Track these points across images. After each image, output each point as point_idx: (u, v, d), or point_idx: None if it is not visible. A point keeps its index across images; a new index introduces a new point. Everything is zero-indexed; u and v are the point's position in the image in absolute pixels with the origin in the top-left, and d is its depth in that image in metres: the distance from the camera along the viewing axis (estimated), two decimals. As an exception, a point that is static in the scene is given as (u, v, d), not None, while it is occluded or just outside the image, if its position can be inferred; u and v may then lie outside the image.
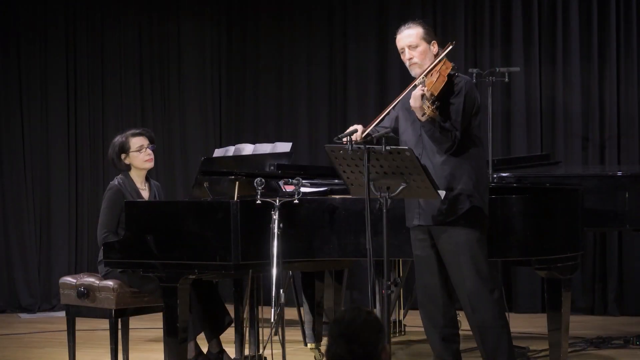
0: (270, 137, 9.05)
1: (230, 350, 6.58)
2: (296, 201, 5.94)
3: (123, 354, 6.68)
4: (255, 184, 5.88)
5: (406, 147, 5.35)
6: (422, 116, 5.40)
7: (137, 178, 6.64)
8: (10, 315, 9.36)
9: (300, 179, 6.02)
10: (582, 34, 8.95)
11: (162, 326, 6.08)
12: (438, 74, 5.45)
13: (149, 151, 6.63)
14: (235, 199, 6.09)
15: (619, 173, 6.87)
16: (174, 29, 9.80)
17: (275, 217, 5.82)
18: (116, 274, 6.41)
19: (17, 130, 9.55)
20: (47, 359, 7.48)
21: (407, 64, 5.63)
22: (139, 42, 9.75)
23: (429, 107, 5.33)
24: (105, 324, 6.56)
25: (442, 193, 5.46)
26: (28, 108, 9.55)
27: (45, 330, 8.61)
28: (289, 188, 6.51)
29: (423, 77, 5.47)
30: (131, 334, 6.86)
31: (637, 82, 8.86)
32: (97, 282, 6.47)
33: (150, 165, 6.67)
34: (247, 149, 6.75)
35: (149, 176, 6.77)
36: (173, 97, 9.81)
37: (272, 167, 6.62)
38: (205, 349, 6.57)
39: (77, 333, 6.63)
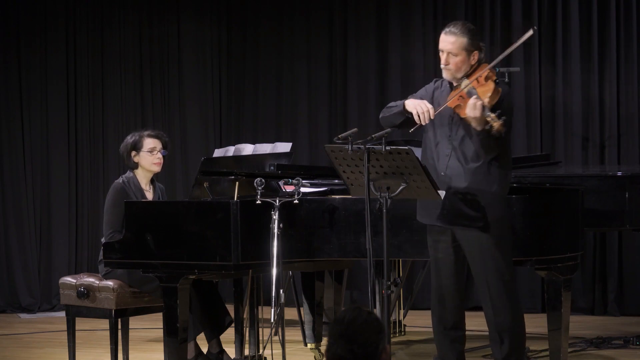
0: (270, 137, 9.05)
1: (230, 350, 6.59)
2: (296, 201, 5.94)
3: (123, 354, 6.69)
4: (255, 184, 5.88)
5: (406, 147, 5.34)
6: (484, 127, 5.28)
7: (143, 179, 6.64)
8: (10, 315, 9.36)
9: (300, 179, 6.02)
10: (582, 34, 8.95)
11: (162, 326, 6.08)
12: (489, 82, 5.35)
13: (160, 155, 6.64)
14: (235, 199, 6.09)
15: (619, 173, 6.87)
16: (174, 29, 9.80)
17: (275, 217, 5.82)
18: (116, 274, 6.41)
19: (17, 130, 9.55)
20: (47, 359, 7.48)
21: (441, 64, 5.54)
22: (139, 42, 9.75)
23: (495, 120, 5.21)
24: (105, 324, 6.57)
25: (442, 193, 5.45)
26: (28, 108, 9.55)
27: (45, 330, 8.61)
28: (289, 188, 6.51)
29: (470, 84, 5.37)
30: (131, 334, 6.86)
31: (637, 82, 8.86)
32: (97, 282, 6.47)
33: (158, 169, 6.66)
34: (247, 149, 6.74)
35: (154, 179, 6.77)
36: (173, 97, 9.81)
37: (272, 167, 6.62)
38: (205, 349, 6.57)
39: (77, 333, 6.63)
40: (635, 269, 8.88)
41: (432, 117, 5.41)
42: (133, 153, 6.62)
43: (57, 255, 9.56)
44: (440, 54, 5.52)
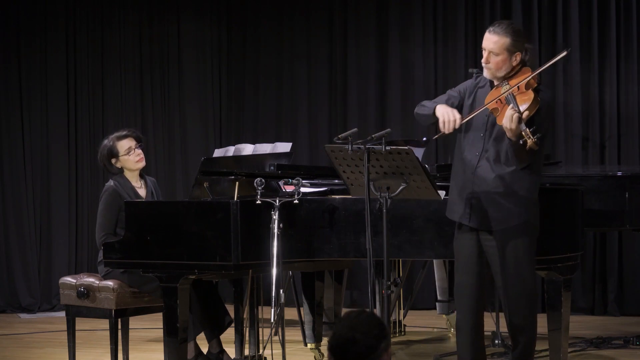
0: (270, 137, 9.05)
1: (230, 350, 6.59)
2: (296, 201, 5.94)
3: (123, 354, 6.69)
4: (255, 184, 5.88)
5: (406, 147, 5.34)
6: (518, 139, 5.22)
7: (132, 177, 6.65)
8: (10, 315, 9.36)
9: (300, 179, 6.02)
10: (582, 34, 8.95)
11: (162, 326, 6.08)
12: (529, 92, 5.28)
13: (139, 151, 6.64)
14: (235, 199, 6.10)
15: (619, 173, 6.87)
16: (174, 29, 9.80)
17: (275, 217, 5.82)
18: (116, 274, 6.41)
19: (17, 130, 9.55)
20: (47, 359, 7.49)
21: (482, 61, 5.48)
22: (139, 42, 9.75)
23: (530, 138, 5.14)
24: (105, 324, 6.57)
25: (442, 193, 5.44)
26: (28, 108, 9.55)
27: (45, 330, 8.61)
28: (289, 188, 6.51)
29: (510, 90, 5.29)
30: (131, 334, 6.87)
31: (637, 82, 8.86)
32: (97, 282, 6.47)
33: (142, 164, 6.67)
34: (247, 149, 6.75)
35: (145, 173, 6.77)
36: (173, 97, 9.81)
37: (272, 167, 6.62)
38: (205, 349, 6.57)
39: (77, 333, 6.63)
40: (635, 269, 8.88)
41: (456, 127, 5.36)
42: (114, 160, 6.62)
43: (57, 256, 9.56)
44: (483, 51, 5.47)
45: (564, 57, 5.47)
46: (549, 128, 5.54)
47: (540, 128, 5.27)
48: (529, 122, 5.25)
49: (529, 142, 5.16)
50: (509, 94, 5.29)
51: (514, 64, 5.42)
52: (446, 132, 5.37)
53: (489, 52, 5.43)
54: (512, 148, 5.30)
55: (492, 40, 5.42)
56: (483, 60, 5.45)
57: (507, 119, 5.21)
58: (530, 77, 5.33)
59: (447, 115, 5.35)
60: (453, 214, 5.58)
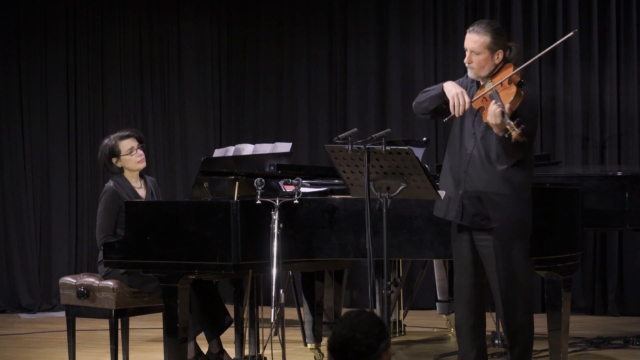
0: (270, 137, 9.05)
1: (230, 350, 6.59)
2: (296, 201, 5.94)
3: (123, 354, 6.69)
4: (255, 184, 5.88)
5: (406, 147, 5.34)
6: (504, 133, 5.25)
7: (132, 178, 6.65)
8: (10, 315, 9.36)
9: (300, 179, 6.02)
10: (582, 34, 8.95)
11: (162, 326, 6.09)
12: (511, 86, 5.32)
13: (140, 152, 6.64)
14: (235, 199, 6.10)
15: (619, 173, 6.87)
16: (174, 29, 9.80)
17: (275, 217, 5.82)
18: (116, 274, 6.42)
19: (17, 130, 9.55)
20: (47, 359, 7.48)
21: (465, 61, 5.52)
22: (139, 42, 9.75)
23: (514, 130, 5.16)
24: (105, 324, 6.57)
25: (442, 193, 5.44)
26: (28, 108, 9.56)
27: (45, 330, 8.61)
28: (289, 188, 6.51)
29: (494, 88, 5.33)
30: (131, 334, 6.87)
31: (637, 82, 8.86)
32: (97, 282, 6.47)
33: (143, 165, 6.67)
34: (247, 149, 6.75)
35: (145, 173, 6.77)
36: (173, 97, 9.81)
37: (272, 167, 6.62)
38: (205, 349, 6.57)
39: (77, 333, 6.63)
40: (635, 269, 8.88)
41: (466, 109, 5.38)
42: (114, 160, 6.62)
43: (57, 255, 9.56)
44: (465, 52, 5.50)
45: (570, 37, 5.49)
46: (535, 121, 5.54)
47: (525, 120, 5.28)
48: (514, 116, 5.26)
49: (514, 134, 5.20)
50: (493, 91, 5.33)
51: (497, 62, 5.46)
52: (456, 114, 5.39)
53: (471, 52, 5.48)
54: (500, 144, 5.33)
55: (473, 40, 5.48)
56: (465, 60, 5.50)
57: (491, 115, 5.27)
58: (520, 69, 5.38)
59: (458, 98, 5.37)
60: (439, 211, 5.61)
